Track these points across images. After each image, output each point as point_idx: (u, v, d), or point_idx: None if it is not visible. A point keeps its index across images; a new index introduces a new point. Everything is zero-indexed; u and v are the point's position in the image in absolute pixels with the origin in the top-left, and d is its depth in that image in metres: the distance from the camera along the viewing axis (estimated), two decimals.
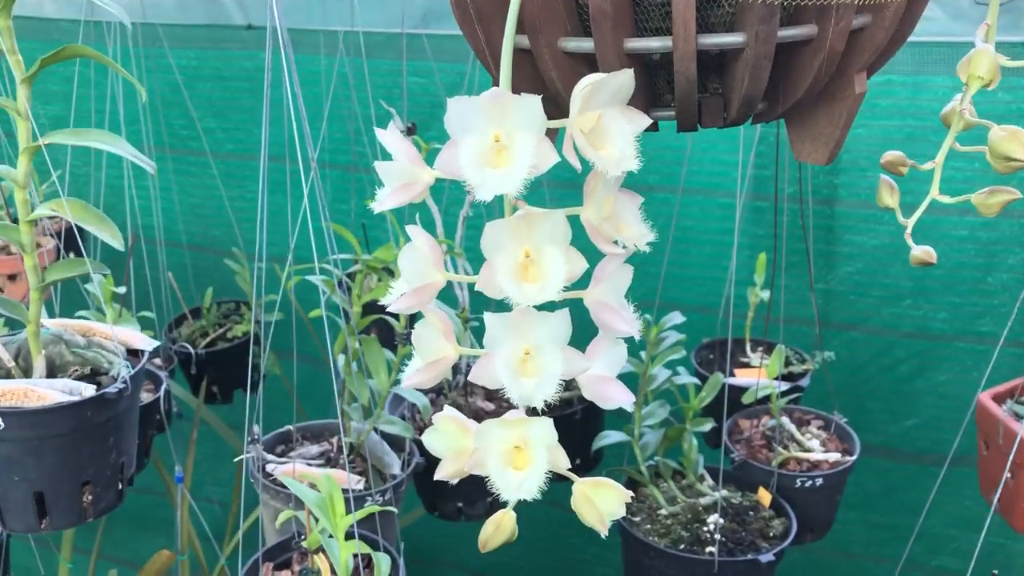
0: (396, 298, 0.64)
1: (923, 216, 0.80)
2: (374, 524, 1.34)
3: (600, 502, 0.69)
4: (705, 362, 1.85)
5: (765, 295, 1.74)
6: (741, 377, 1.69)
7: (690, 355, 1.83)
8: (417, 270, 0.63)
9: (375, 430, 1.39)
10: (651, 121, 0.59)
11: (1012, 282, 1.98)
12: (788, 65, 0.63)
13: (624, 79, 0.57)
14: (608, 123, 0.58)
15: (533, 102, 0.54)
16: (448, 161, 0.56)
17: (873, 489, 2.18)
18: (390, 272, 1.31)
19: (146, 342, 1.12)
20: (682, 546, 1.34)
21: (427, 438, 0.71)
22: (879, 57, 0.65)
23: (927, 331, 2.05)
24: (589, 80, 0.56)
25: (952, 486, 2.14)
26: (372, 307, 1.45)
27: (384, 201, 0.62)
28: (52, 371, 1.07)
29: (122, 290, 1.54)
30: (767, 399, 1.57)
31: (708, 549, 1.34)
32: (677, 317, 1.42)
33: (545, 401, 0.60)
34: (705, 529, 1.38)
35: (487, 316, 0.59)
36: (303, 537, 1.16)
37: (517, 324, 0.60)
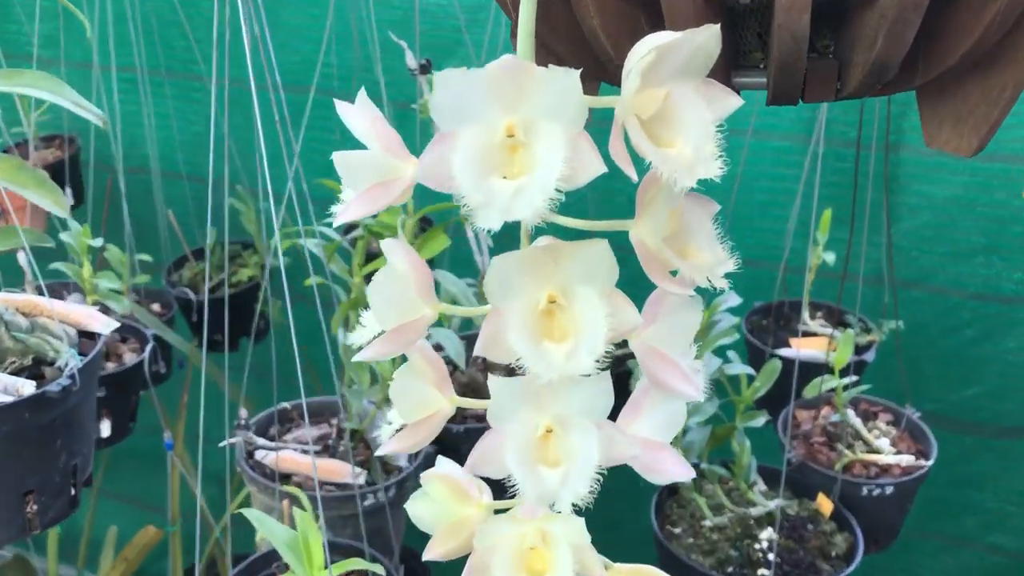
0: (367, 341, 0.46)
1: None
2: (383, 519, 1.18)
3: None
4: (757, 329, 1.64)
5: (829, 257, 1.53)
6: (799, 348, 1.49)
7: (740, 319, 1.63)
8: (396, 303, 0.44)
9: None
10: (741, 102, 0.40)
11: None
12: (941, 18, 0.43)
13: (705, 40, 0.37)
14: (679, 106, 0.38)
15: (567, 79, 0.35)
16: (433, 165, 0.37)
17: (926, 476, 2.02)
18: None
19: (104, 323, 0.95)
20: (730, 569, 1.16)
21: (413, 506, 0.54)
22: None
23: (999, 292, 1.85)
24: (652, 43, 0.36)
25: (1011, 460, 1.97)
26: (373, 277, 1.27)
27: (350, 207, 0.43)
28: None
29: (99, 242, 1.37)
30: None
31: (760, 572, 1.16)
32: (733, 298, 1.22)
33: (576, 505, 0.42)
34: (757, 547, 1.20)
35: (492, 381, 0.41)
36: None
37: (536, 390, 0.42)
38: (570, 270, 0.39)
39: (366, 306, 1.17)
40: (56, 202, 0.86)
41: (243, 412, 1.23)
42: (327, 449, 1.27)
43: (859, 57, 0.43)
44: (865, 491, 1.26)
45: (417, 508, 0.54)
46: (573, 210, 0.42)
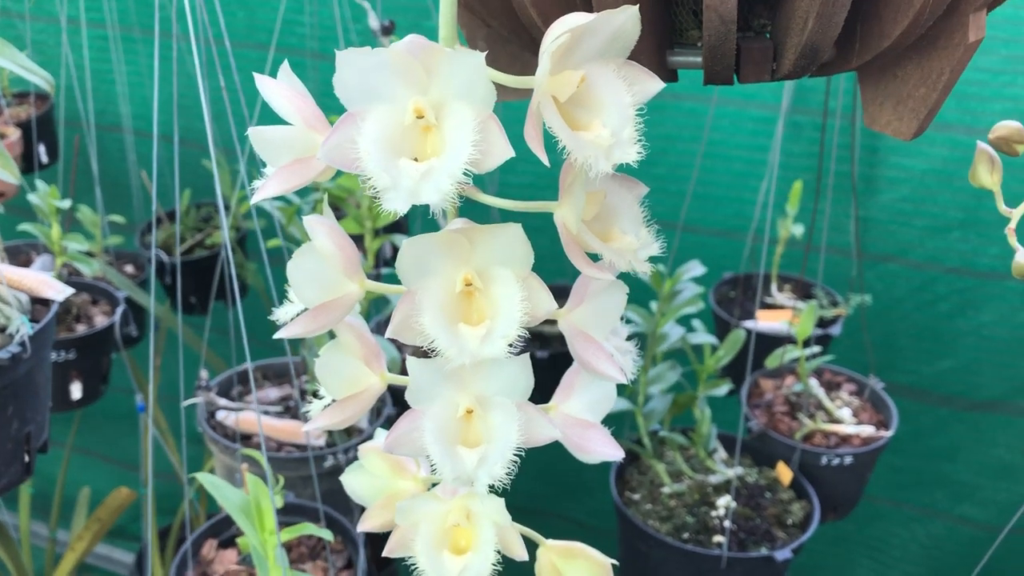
0: (292, 317, 0.46)
1: (981, 137, 0.61)
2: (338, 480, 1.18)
3: None
4: (724, 300, 1.64)
5: (797, 230, 1.52)
6: (764, 321, 1.49)
7: (708, 290, 1.63)
8: (320, 281, 0.44)
9: None
10: (663, 85, 0.39)
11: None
12: (875, 0, 0.42)
13: (624, 20, 0.37)
14: (597, 88, 0.38)
15: (474, 60, 0.34)
16: (339, 146, 0.36)
17: (898, 431, 2.03)
18: (357, 204, 1.12)
19: (58, 290, 0.94)
20: (686, 535, 1.17)
21: (348, 479, 0.53)
22: None
23: (974, 267, 1.84)
24: (568, 23, 0.35)
25: (983, 432, 1.98)
26: None
27: (266, 186, 0.42)
28: None
29: (67, 204, 1.35)
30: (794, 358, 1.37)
31: (716, 539, 1.17)
32: (696, 267, 1.22)
33: (491, 484, 0.42)
34: (714, 514, 1.20)
35: (410, 362, 0.41)
36: None
37: (456, 370, 0.41)
38: (486, 253, 0.39)
39: None
40: (4, 166, 0.84)
41: (204, 373, 1.23)
42: (289, 411, 1.27)
43: (792, 39, 0.42)
44: (824, 460, 1.26)
45: (352, 481, 0.54)
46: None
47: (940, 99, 0.47)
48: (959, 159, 1.76)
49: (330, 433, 1.21)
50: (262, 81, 0.42)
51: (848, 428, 1.33)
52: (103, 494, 1.78)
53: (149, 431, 1.59)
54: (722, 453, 1.30)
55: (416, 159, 0.36)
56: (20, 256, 1.78)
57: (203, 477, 0.79)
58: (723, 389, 1.24)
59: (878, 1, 0.42)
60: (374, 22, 1.23)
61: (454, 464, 0.41)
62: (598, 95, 0.38)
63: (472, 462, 0.41)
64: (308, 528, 0.80)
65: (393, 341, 1.41)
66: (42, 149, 2.02)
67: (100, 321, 1.54)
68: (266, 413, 1.24)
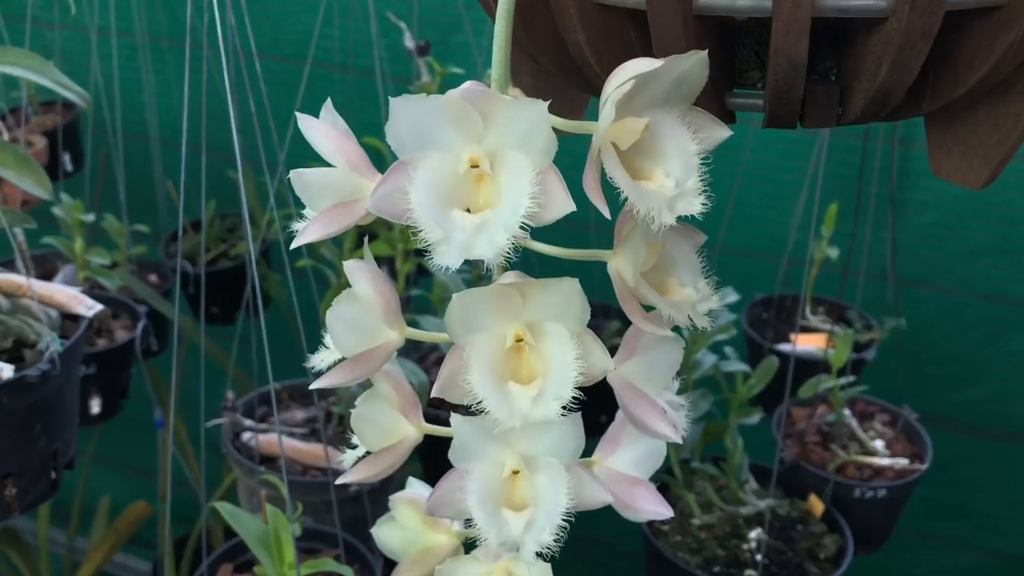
0: (326, 368, 0.44)
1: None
2: (365, 506, 1.16)
3: None
4: (757, 322, 1.61)
5: (833, 252, 1.50)
6: (799, 344, 1.46)
7: (740, 311, 1.60)
8: (359, 329, 0.42)
9: None
10: (729, 133, 0.37)
11: None
12: (953, 45, 0.40)
13: (692, 66, 0.35)
14: (661, 136, 0.36)
15: (535, 109, 0.32)
16: (389, 195, 0.34)
17: (920, 480, 2.00)
18: (388, 225, 1.10)
19: (88, 306, 0.93)
20: (716, 568, 1.14)
21: (379, 531, 0.51)
22: None
23: (1006, 294, 1.81)
24: (632, 70, 0.33)
25: (1012, 464, 1.95)
26: None
27: (308, 230, 0.40)
28: None
29: (90, 218, 1.34)
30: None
31: (747, 573, 1.14)
32: (730, 294, 1.19)
33: (540, 552, 0.40)
34: (745, 547, 1.17)
35: (454, 420, 0.39)
36: None
37: (503, 430, 0.39)
38: (539, 307, 0.37)
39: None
40: (38, 182, 0.83)
41: (230, 394, 1.21)
42: (314, 433, 1.25)
43: (862, 84, 0.40)
44: (858, 493, 1.24)
45: (383, 533, 0.52)
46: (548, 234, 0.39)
47: (1015, 147, 0.44)
48: (992, 184, 1.73)
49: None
50: (304, 121, 0.40)
51: (882, 460, 1.30)
52: (121, 502, 1.76)
53: (168, 448, 1.58)
54: (753, 484, 1.27)
55: (468, 210, 0.34)
56: (45, 265, 1.78)
57: (221, 506, 0.77)
58: (755, 418, 1.22)
59: (957, 47, 0.40)
60: (409, 42, 1.21)
61: (499, 528, 0.39)
62: (661, 143, 0.36)
63: (519, 527, 0.39)
64: (328, 564, 0.78)
65: (423, 367, 1.39)
66: (67, 158, 2.02)
67: (121, 336, 1.53)
68: (291, 435, 1.23)
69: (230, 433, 1.21)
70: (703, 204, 0.36)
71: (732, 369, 1.21)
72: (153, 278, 2.03)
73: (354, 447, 0.48)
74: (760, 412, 1.23)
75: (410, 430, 0.46)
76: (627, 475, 0.47)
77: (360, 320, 0.41)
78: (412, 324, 1.40)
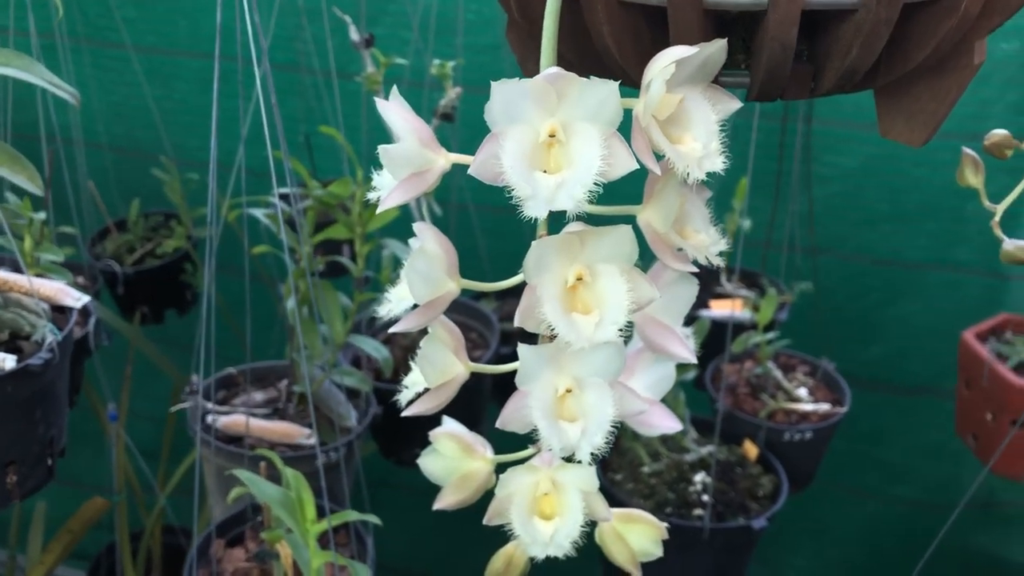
0: (400, 311, 0.51)
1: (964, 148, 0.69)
2: (336, 476, 1.22)
3: (633, 539, 0.58)
4: None
5: (745, 224, 1.63)
6: (716, 309, 1.59)
7: None
8: (428, 280, 0.49)
9: (329, 380, 1.26)
10: (740, 104, 0.45)
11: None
12: (904, 30, 0.49)
13: (715, 51, 0.43)
14: (690, 108, 0.44)
15: (606, 88, 0.40)
16: (487, 162, 0.42)
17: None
18: (346, 209, 1.17)
19: (75, 298, 0.97)
20: (668, 509, 1.25)
21: (424, 462, 0.59)
22: (1005, 19, 0.52)
23: (902, 259, 1.97)
24: (672, 55, 0.42)
25: (913, 416, 2.11)
26: (323, 246, 1.31)
27: (390, 196, 0.48)
28: None
29: (41, 216, 1.36)
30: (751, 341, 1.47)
31: (696, 512, 1.25)
32: None
33: (593, 454, 0.48)
34: (691, 490, 1.29)
35: (521, 349, 0.47)
36: (258, 516, 1.04)
37: (558, 355, 0.47)
38: (595, 251, 0.45)
39: (314, 273, 1.19)
40: (30, 178, 0.87)
41: (194, 377, 1.25)
42: (277, 412, 1.30)
43: (834, 63, 0.49)
44: (787, 436, 1.37)
45: (428, 463, 0.59)
46: None
47: (946, 113, 0.54)
48: (885, 155, 1.88)
49: (321, 431, 1.25)
50: (383, 105, 0.48)
51: (807, 406, 1.43)
52: (59, 515, 1.77)
53: (123, 441, 1.61)
54: (694, 434, 1.38)
55: (544, 171, 0.42)
56: None
57: (241, 473, 0.83)
58: (692, 373, 1.33)
59: (906, 31, 0.49)
60: (355, 35, 1.27)
61: (560, 436, 0.47)
62: (689, 114, 0.44)
63: (576, 434, 0.47)
64: (351, 515, 0.84)
65: (385, 343, 1.46)
66: None
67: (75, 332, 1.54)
68: (254, 415, 1.28)
69: (196, 416, 1.26)
70: (724, 162, 0.45)
71: None
72: (80, 280, 2.03)
73: (406, 387, 0.56)
74: (696, 369, 1.34)
75: (460, 368, 0.54)
76: (644, 397, 0.55)
77: (430, 272, 0.49)
78: (376, 302, 1.46)
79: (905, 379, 2.05)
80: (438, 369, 0.53)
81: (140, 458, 1.72)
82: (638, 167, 0.42)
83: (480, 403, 1.53)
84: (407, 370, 0.56)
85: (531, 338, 0.48)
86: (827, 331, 1.96)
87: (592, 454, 0.47)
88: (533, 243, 0.43)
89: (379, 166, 0.50)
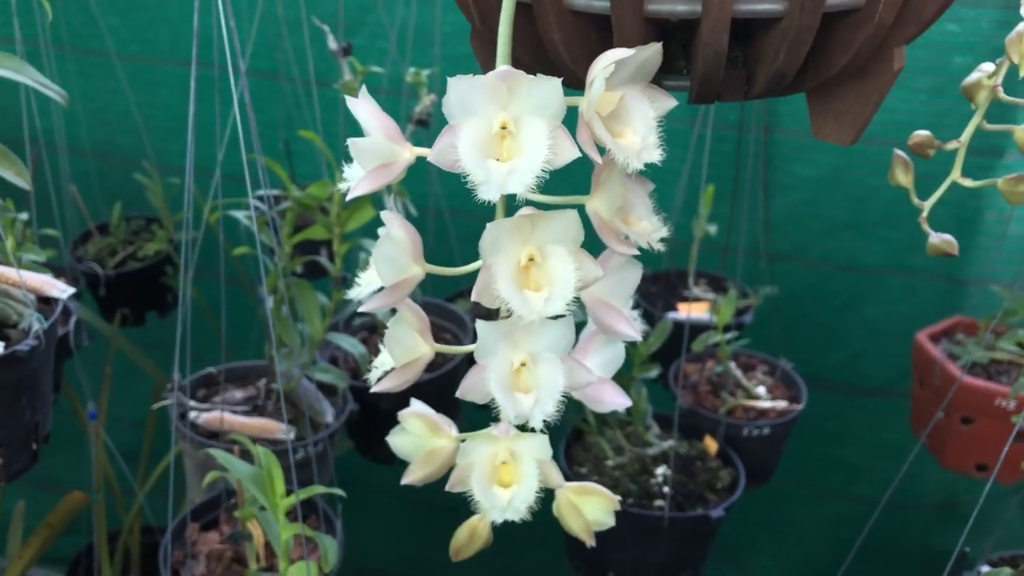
0: (368, 295, 0.56)
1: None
2: (310, 471, 1.26)
3: (587, 510, 0.63)
4: (648, 295, 1.79)
5: (712, 228, 1.68)
6: (686, 312, 1.65)
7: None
8: (394, 264, 0.54)
9: (307, 377, 1.31)
10: (676, 103, 0.51)
11: (947, 216, 1.97)
12: (827, 37, 0.55)
13: (651, 54, 0.48)
14: (629, 105, 0.49)
15: (550, 85, 0.45)
16: (444, 151, 0.47)
17: (798, 418, 2.19)
18: (324, 211, 1.21)
19: (61, 289, 1.01)
20: (631, 500, 1.30)
21: (393, 439, 0.63)
22: (921, 29, 0.58)
23: (861, 264, 2.03)
24: (612, 57, 0.47)
25: (872, 417, 2.17)
26: (301, 246, 1.35)
27: (358, 185, 0.52)
28: None
29: (24, 216, 1.40)
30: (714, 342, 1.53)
31: (657, 503, 1.30)
32: None
33: (545, 421, 0.53)
34: (653, 481, 1.34)
35: (479, 324, 0.51)
36: (232, 499, 1.08)
37: (512, 331, 0.52)
38: (545, 233, 0.50)
39: (293, 273, 1.24)
40: (18, 173, 0.91)
41: (177, 375, 1.29)
42: (256, 409, 1.34)
43: (763, 67, 0.55)
44: (746, 432, 1.42)
45: (397, 440, 0.64)
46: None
47: (871, 114, 0.60)
48: (844, 165, 1.95)
49: (299, 427, 1.29)
50: (353, 102, 0.52)
51: (765, 403, 1.49)
52: (38, 517, 1.79)
53: (101, 438, 1.64)
54: (656, 429, 1.44)
55: (497, 159, 0.47)
56: None
57: (216, 452, 0.87)
58: (654, 372, 1.38)
59: (828, 39, 0.55)
60: (333, 44, 1.32)
61: (515, 405, 0.52)
62: (629, 110, 0.49)
63: (529, 404, 0.52)
64: (318, 489, 0.89)
65: (363, 342, 1.50)
66: None
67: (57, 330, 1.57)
68: (233, 412, 1.32)
69: (177, 413, 1.30)
70: (660, 155, 0.50)
71: None
72: (62, 282, 2.06)
73: (375, 368, 0.60)
74: (659, 367, 1.40)
75: (425, 348, 0.58)
76: (597, 375, 0.60)
77: (396, 256, 0.53)
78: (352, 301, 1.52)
79: (865, 381, 2.11)
80: (404, 348, 0.58)
81: (120, 458, 1.75)
82: (580, 155, 0.47)
83: (452, 400, 1.57)
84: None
85: (490, 316, 0.53)
86: (791, 335, 2.03)
87: (544, 422, 0.52)
88: (488, 225, 0.48)
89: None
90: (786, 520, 2.30)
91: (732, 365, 1.55)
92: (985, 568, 1.30)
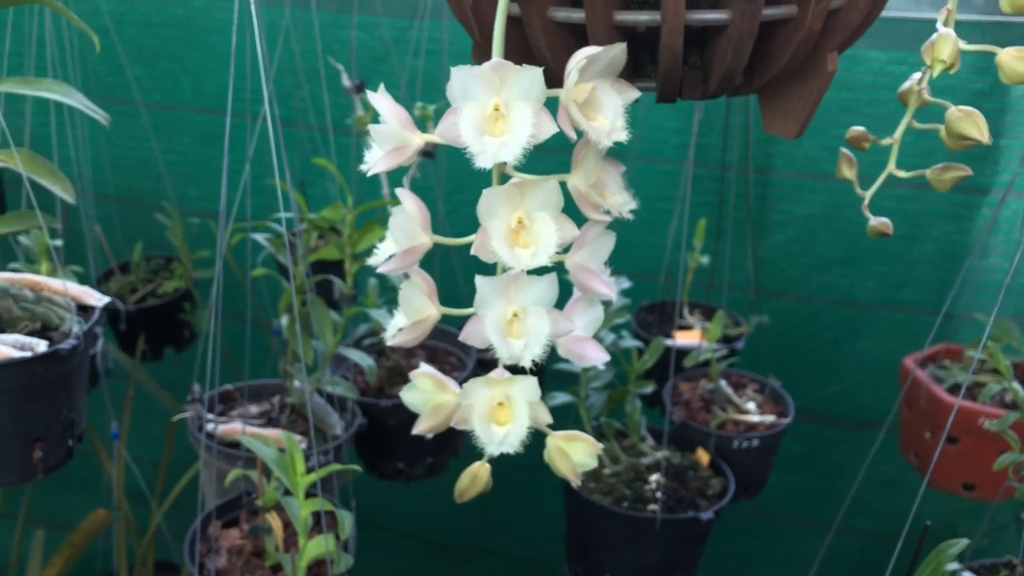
0: (384, 259, 0.65)
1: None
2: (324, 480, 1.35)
3: (574, 454, 0.71)
4: (645, 324, 1.89)
5: (704, 260, 1.78)
6: (680, 339, 1.74)
7: (631, 316, 1.87)
8: (406, 232, 0.64)
9: (318, 391, 1.40)
10: (640, 94, 0.61)
11: (935, 253, 2.06)
12: (768, 43, 0.65)
13: (617, 53, 0.58)
14: (600, 95, 0.59)
15: (533, 73, 0.55)
16: (448, 128, 0.57)
17: (795, 452, 2.26)
18: (336, 231, 1.31)
19: (97, 298, 1.11)
20: (625, 503, 1.38)
21: (405, 394, 0.72)
22: (851, 37, 0.68)
23: (853, 299, 2.12)
24: (584, 53, 0.57)
25: (867, 449, 2.23)
26: (315, 267, 1.45)
27: (376, 164, 0.62)
28: (1, 326, 1.04)
29: (59, 243, 1.50)
30: (706, 363, 1.62)
31: (650, 507, 1.38)
32: (624, 282, 1.46)
33: (533, 361, 0.62)
34: (647, 487, 1.42)
35: (478, 279, 0.61)
36: (253, 496, 1.16)
37: (506, 287, 0.61)
38: (532, 199, 0.59)
39: (305, 290, 1.33)
40: (65, 189, 1.02)
41: (196, 387, 1.38)
42: (270, 422, 1.43)
43: (715, 68, 0.65)
44: (736, 444, 1.50)
45: (409, 395, 0.73)
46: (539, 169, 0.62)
47: (812, 111, 0.70)
48: (836, 204, 2.05)
49: (309, 439, 1.38)
50: (374, 96, 0.62)
51: (754, 417, 1.57)
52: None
53: (124, 458, 1.72)
54: (651, 441, 1.52)
55: (491, 136, 0.57)
56: None
57: (244, 439, 0.96)
58: (649, 388, 1.47)
59: (769, 43, 0.65)
60: (347, 81, 1.44)
61: (508, 349, 0.61)
62: (601, 99, 0.59)
63: (520, 347, 0.61)
64: (335, 468, 0.97)
65: (369, 353, 1.59)
66: None
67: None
68: (250, 424, 1.40)
69: (195, 424, 1.38)
70: (626, 136, 0.59)
71: (628, 345, 1.47)
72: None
73: (390, 328, 0.69)
74: (653, 383, 1.49)
75: (432, 310, 0.68)
76: (579, 336, 0.69)
77: (407, 226, 0.63)
78: (363, 316, 1.61)
79: (860, 414, 2.18)
80: (415, 308, 0.67)
81: (139, 479, 1.83)
82: (558, 130, 0.57)
83: (456, 433, 1.66)
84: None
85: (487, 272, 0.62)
86: (786, 368, 2.10)
87: (533, 362, 0.61)
88: (484, 190, 0.58)
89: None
90: (787, 554, 2.35)
91: (723, 383, 1.64)
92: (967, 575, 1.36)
